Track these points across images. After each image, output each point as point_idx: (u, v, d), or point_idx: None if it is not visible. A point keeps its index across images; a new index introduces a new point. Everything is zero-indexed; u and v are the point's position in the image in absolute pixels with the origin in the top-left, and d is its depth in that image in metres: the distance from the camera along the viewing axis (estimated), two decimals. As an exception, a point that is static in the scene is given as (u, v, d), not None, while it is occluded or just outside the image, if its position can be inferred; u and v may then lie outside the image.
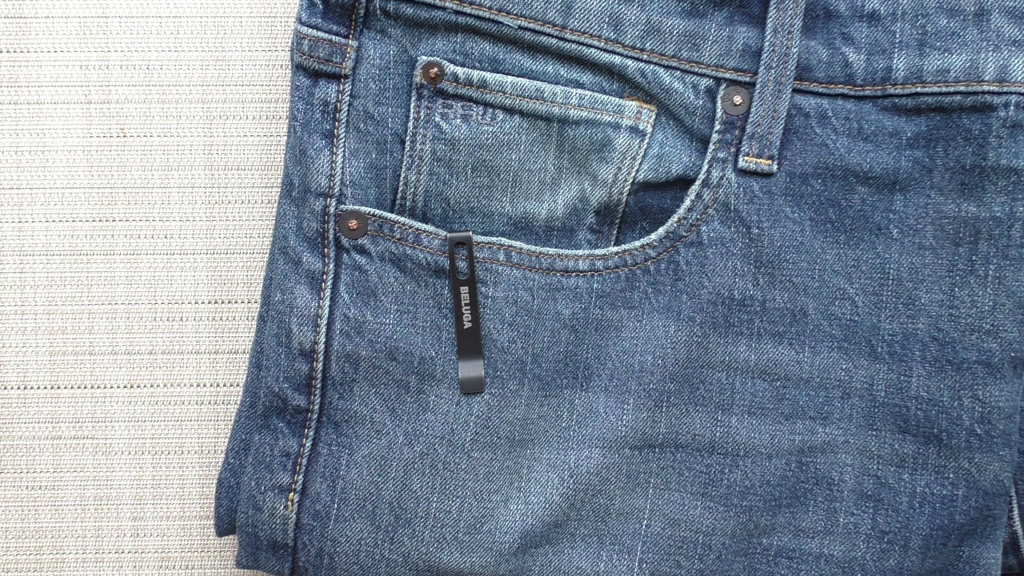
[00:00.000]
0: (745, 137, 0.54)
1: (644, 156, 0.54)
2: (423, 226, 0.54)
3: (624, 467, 0.56)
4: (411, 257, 0.55)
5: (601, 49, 0.54)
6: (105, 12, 0.60)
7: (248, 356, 0.61)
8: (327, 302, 0.55)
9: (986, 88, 0.52)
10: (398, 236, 0.55)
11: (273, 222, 0.60)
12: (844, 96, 0.53)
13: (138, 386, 0.61)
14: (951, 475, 0.55)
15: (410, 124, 0.54)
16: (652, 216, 0.55)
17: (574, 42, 0.53)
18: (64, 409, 0.61)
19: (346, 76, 0.54)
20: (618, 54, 0.54)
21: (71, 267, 0.61)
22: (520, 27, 0.53)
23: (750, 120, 0.54)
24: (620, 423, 0.55)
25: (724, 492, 0.56)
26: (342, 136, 0.55)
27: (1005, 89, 0.52)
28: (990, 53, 0.52)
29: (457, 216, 0.55)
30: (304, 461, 0.56)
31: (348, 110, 0.55)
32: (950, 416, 0.54)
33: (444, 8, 0.53)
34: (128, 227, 0.60)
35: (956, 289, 0.54)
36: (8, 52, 0.60)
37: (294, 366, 0.55)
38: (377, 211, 0.55)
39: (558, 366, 0.55)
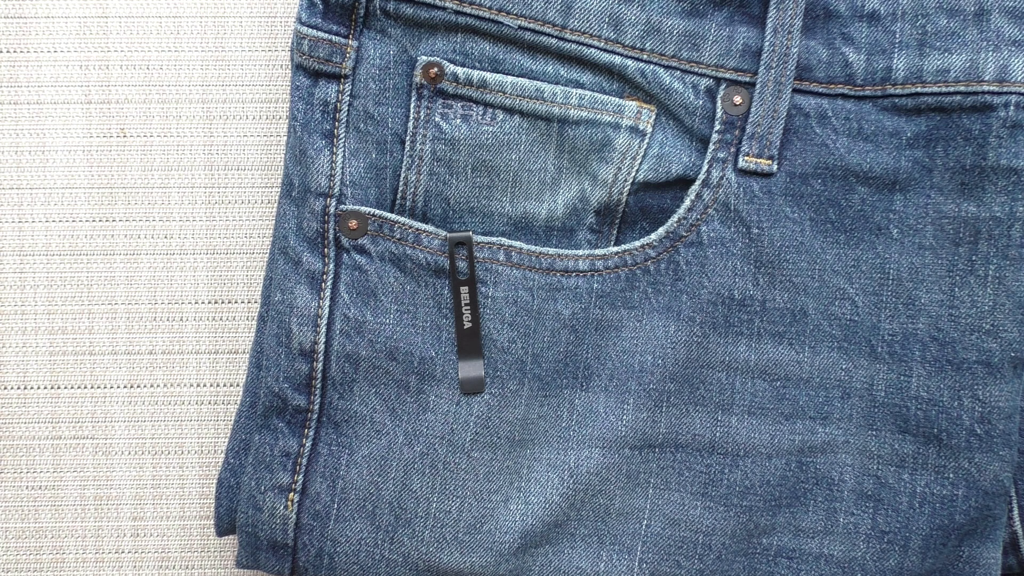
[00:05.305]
0: (745, 137, 0.54)
1: (644, 156, 0.54)
2: (423, 226, 0.54)
3: (624, 467, 0.56)
4: (411, 257, 0.55)
5: (601, 49, 0.53)
6: (105, 12, 0.60)
7: (248, 356, 0.61)
8: (327, 302, 0.55)
9: (986, 88, 0.52)
10: (398, 236, 0.55)
11: (273, 222, 0.60)
12: (844, 96, 0.53)
13: (138, 386, 0.61)
14: (951, 475, 0.55)
15: (410, 124, 0.54)
16: (652, 216, 0.55)
17: (574, 42, 0.53)
18: (64, 409, 0.61)
19: (346, 76, 0.54)
20: (618, 54, 0.54)
21: (71, 267, 0.61)
22: (520, 27, 0.53)
23: (750, 120, 0.54)
24: (620, 423, 0.55)
25: (724, 492, 0.56)
26: (342, 136, 0.55)
27: (1005, 89, 0.52)
28: (990, 53, 0.52)
29: (457, 216, 0.55)
30: (304, 461, 0.56)
31: (348, 110, 0.54)
32: (950, 416, 0.54)
33: (444, 8, 0.53)
34: (128, 227, 0.60)
35: (956, 289, 0.54)
36: (8, 52, 0.60)
37: (294, 366, 0.55)
38: (377, 211, 0.55)
39: (558, 366, 0.55)
